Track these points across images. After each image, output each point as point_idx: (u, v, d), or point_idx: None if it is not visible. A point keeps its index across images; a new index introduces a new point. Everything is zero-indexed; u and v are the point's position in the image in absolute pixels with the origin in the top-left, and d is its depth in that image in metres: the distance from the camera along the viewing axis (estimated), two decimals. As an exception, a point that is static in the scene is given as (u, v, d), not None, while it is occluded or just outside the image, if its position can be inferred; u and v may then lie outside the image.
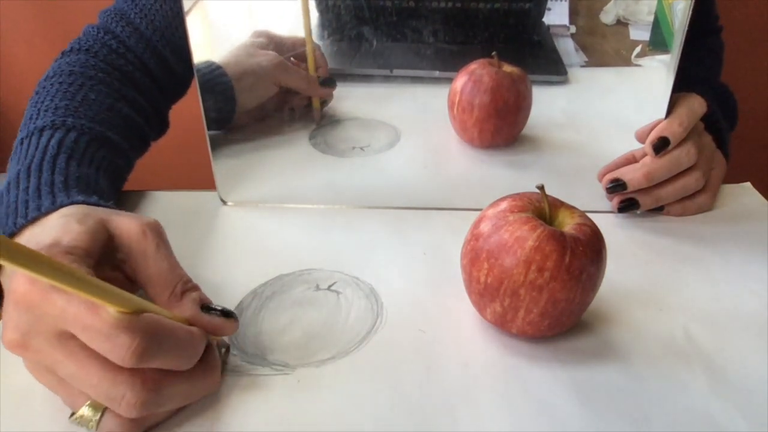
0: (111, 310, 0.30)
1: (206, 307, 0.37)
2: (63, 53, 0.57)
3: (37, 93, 0.52)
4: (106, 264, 0.36)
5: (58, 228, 0.35)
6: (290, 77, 0.60)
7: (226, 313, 0.37)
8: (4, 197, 0.41)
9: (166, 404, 0.34)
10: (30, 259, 0.26)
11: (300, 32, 0.59)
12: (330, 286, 0.46)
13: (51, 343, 0.31)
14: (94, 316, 0.30)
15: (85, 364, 0.31)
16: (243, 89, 0.57)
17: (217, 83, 0.55)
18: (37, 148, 0.44)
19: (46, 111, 0.48)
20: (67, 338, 0.31)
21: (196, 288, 0.38)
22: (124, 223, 0.36)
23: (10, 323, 0.32)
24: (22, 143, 0.46)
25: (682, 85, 0.52)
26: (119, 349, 0.30)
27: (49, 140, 0.45)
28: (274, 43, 0.57)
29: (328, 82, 0.60)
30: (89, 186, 0.43)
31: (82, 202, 0.39)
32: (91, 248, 0.34)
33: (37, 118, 0.47)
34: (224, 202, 0.57)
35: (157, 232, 0.37)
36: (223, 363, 0.39)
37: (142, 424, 0.34)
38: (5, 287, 0.35)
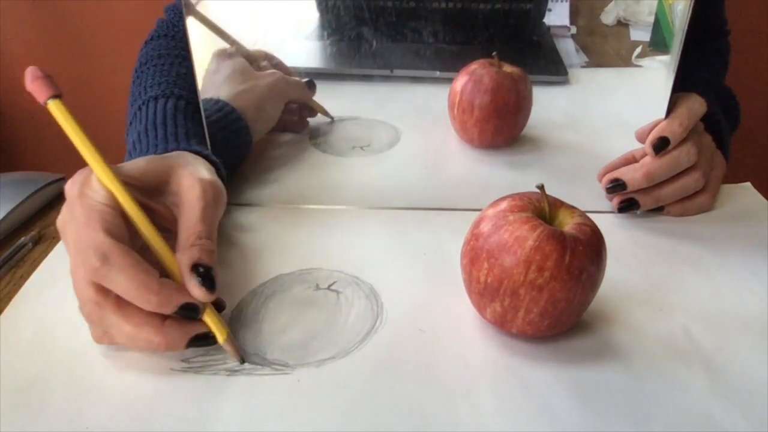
0: (100, 235, 0.36)
1: (196, 265, 0.38)
2: (146, 42, 0.66)
3: (137, 77, 0.60)
4: (161, 202, 0.42)
5: (140, 160, 0.43)
6: (294, 89, 0.61)
7: (206, 279, 0.38)
8: (139, 144, 0.50)
9: (109, 329, 0.38)
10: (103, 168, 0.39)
11: (292, 33, 0.60)
12: (330, 286, 0.46)
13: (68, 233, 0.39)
14: (90, 232, 0.37)
15: (73, 265, 0.38)
16: (259, 120, 0.58)
17: (234, 129, 0.55)
18: (156, 110, 0.52)
19: (151, 86, 0.56)
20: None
21: (205, 246, 0.39)
22: (184, 175, 0.42)
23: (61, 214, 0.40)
24: (140, 109, 0.53)
25: (685, 86, 0.52)
26: (83, 263, 0.36)
27: (165, 104, 0.53)
28: (250, 59, 0.59)
29: (311, 83, 0.61)
30: (204, 139, 0.52)
31: (198, 152, 0.48)
32: (139, 180, 0.41)
33: (145, 93, 0.55)
34: (224, 202, 0.57)
35: (205, 189, 0.42)
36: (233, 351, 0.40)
37: (106, 337, 0.39)
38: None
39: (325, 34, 0.60)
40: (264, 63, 0.60)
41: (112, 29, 1.15)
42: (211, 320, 0.39)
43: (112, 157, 0.43)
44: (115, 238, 0.37)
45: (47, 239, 0.54)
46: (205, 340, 0.39)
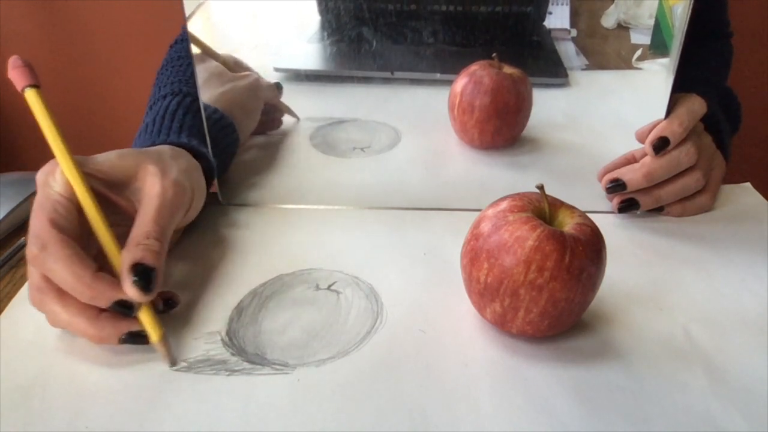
0: (44, 224, 0.38)
1: (136, 264, 0.38)
2: (170, 46, 0.67)
3: (157, 78, 0.62)
4: (126, 196, 0.43)
5: (112, 153, 0.44)
6: (267, 90, 0.61)
7: (142, 279, 0.38)
8: (138, 139, 0.52)
9: (48, 313, 0.39)
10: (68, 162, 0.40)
11: (295, 33, 0.60)
12: (330, 286, 0.46)
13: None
14: (36, 220, 0.39)
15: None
16: (243, 119, 0.59)
17: (220, 127, 0.55)
18: (161, 107, 0.54)
19: (165, 85, 0.58)
20: None
21: (150, 247, 0.39)
22: (150, 172, 0.43)
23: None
24: (151, 108, 0.56)
25: (685, 86, 0.52)
26: (28, 248, 0.38)
27: (170, 101, 0.55)
28: (224, 63, 0.60)
29: (279, 85, 0.62)
30: (199, 132, 0.53)
31: (185, 144, 0.50)
32: (107, 174, 0.42)
33: (159, 91, 0.58)
34: (224, 203, 0.57)
35: (165, 189, 0.42)
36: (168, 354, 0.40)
37: (53, 322, 0.40)
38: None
39: (326, 36, 0.60)
40: (238, 65, 0.60)
41: (113, 29, 1.15)
42: (146, 319, 0.39)
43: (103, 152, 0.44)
44: (62, 229, 0.38)
45: (47, 240, 0.54)
46: (138, 338, 0.39)
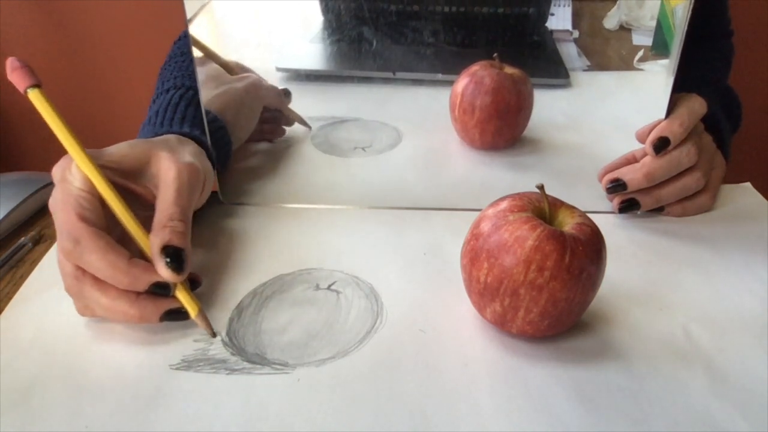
0: (73, 219, 0.39)
1: (166, 247, 0.40)
2: (174, 42, 0.68)
3: (160, 73, 0.63)
4: (142, 184, 0.44)
5: (122, 144, 0.45)
6: (269, 94, 0.61)
7: (174, 260, 0.40)
8: (141, 132, 0.53)
9: (88, 302, 0.40)
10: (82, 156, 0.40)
11: (300, 34, 0.60)
12: (330, 286, 0.46)
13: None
14: (64, 216, 0.39)
15: (57, 244, 0.40)
16: (238, 122, 0.59)
17: (213, 130, 0.55)
18: (164, 100, 0.55)
19: (168, 80, 0.59)
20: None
21: (176, 228, 0.41)
22: (163, 158, 0.44)
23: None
24: (154, 101, 0.57)
25: (685, 86, 0.52)
26: (59, 242, 0.39)
27: (173, 95, 0.56)
28: (225, 67, 0.60)
29: (287, 92, 0.62)
30: (201, 123, 0.54)
31: (188, 133, 0.51)
32: (120, 163, 0.43)
33: (162, 86, 0.59)
34: (224, 202, 0.57)
35: (180, 171, 0.43)
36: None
37: (88, 310, 0.41)
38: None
39: (328, 36, 0.60)
40: (239, 68, 0.60)
41: (113, 29, 1.15)
42: (183, 296, 0.41)
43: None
44: (90, 221, 0.39)
45: (47, 239, 0.54)
46: (178, 314, 0.41)
